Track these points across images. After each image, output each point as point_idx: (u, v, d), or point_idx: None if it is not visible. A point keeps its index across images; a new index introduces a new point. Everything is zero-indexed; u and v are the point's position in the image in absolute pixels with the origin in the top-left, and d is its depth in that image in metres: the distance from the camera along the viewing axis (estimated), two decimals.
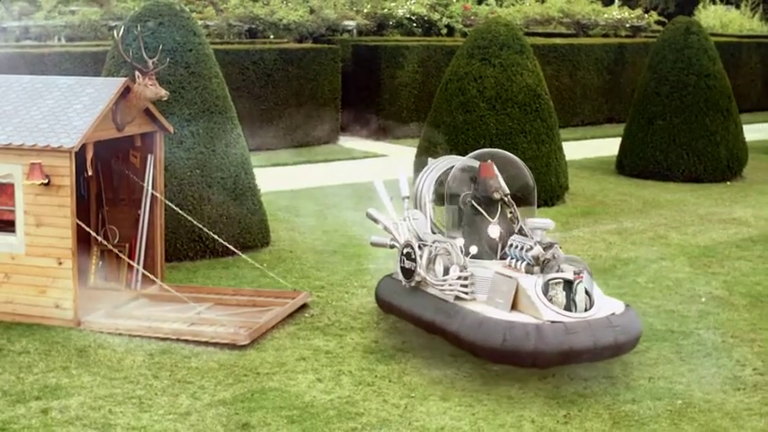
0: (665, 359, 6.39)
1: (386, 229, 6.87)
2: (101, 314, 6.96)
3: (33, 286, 6.82)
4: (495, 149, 6.98)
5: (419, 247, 6.44)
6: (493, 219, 6.45)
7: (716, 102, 13.05)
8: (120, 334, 6.65)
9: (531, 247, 5.99)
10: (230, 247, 8.18)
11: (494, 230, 6.41)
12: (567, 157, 12.05)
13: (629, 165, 13.38)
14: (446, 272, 6.21)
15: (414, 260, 6.42)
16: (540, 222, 6.17)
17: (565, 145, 11.97)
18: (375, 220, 7.03)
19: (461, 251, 6.20)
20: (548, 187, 11.30)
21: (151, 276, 7.48)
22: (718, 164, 13.00)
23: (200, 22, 10.62)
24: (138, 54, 7.48)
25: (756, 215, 10.97)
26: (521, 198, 6.77)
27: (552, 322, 5.72)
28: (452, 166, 6.77)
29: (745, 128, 13.72)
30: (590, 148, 15.70)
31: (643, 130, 13.26)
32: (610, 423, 5.42)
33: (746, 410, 5.60)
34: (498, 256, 6.39)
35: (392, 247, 6.85)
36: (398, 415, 5.49)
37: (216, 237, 8.22)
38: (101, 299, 7.31)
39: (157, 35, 8.40)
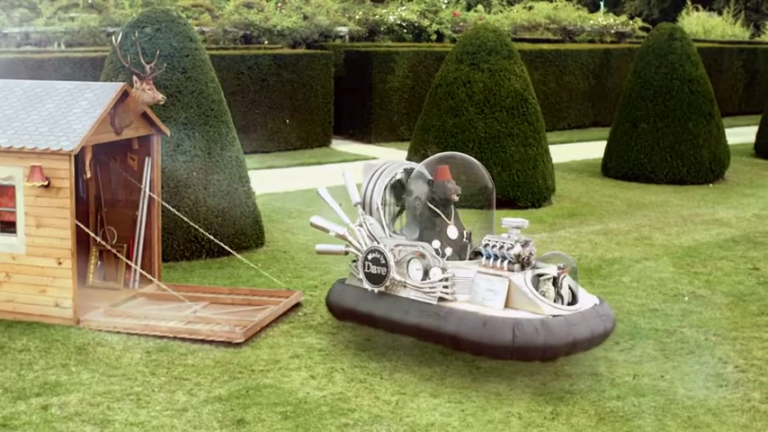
0: (649, 356, 6.49)
1: (339, 236, 6.67)
2: (99, 313, 7.04)
3: (34, 285, 6.88)
4: (455, 152, 7.05)
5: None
6: (450, 220, 6.53)
7: (699, 106, 13.23)
8: (118, 332, 6.73)
9: (512, 246, 6.05)
10: (226, 247, 8.28)
11: (452, 232, 6.49)
12: (554, 160, 12.19)
13: (615, 167, 13.54)
14: (425, 274, 6.20)
15: (384, 265, 6.30)
16: (516, 221, 6.22)
17: (551, 148, 12.12)
18: (324, 229, 6.80)
19: (438, 253, 6.24)
20: (535, 189, 11.47)
21: (149, 276, 7.53)
22: (700, 166, 13.18)
23: (196, 29, 10.69)
24: (135, 59, 7.56)
25: (738, 216, 11.12)
26: (480, 200, 6.83)
27: (554, 316, 5.85)
28: (400, 171, 6.72)
29: (727, 131, 13.87)
30: (576, 151, 15.82)
31: (628, 133, 13.42)
32: (595, 419, 5.51)
33: (728, 407, 5.70)
34: (468, 257, 6.47)
35: (346, 253, 6.70)
36: (390, 411, 5.58)
37: (212, 237, 8.30)
38: (99, 298, 7.38)
39: (155, 41, 8.47)
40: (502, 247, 6.09)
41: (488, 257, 6.16)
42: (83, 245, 7.51)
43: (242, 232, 8.88)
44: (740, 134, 17.22)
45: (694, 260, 9.08)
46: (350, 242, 6.59)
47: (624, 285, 8.20)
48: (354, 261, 6.61)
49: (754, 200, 12.21)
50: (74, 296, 6.87)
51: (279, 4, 19.03)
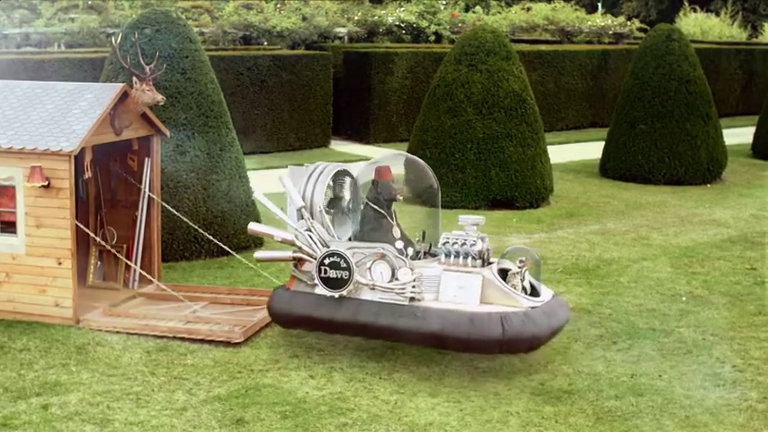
0: (646, 356, 6.53)
1: (286, 241, 6.41)
2: (99, 313, 7.07)
3: (34, 285, 6.91)
4: (401, 152, 7.03)
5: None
6: (393, 221, 6.51)
7: (696, 107, 13.27)
8: (117, 332, 6.76)
9: (475, 242, 6.10)
10: (225, 247, 8.30)
11: (396, 232, 6.48)
12: (552, 161, 12.23)
13: (613, 168, 13.58)
14: (392, 275, 6.13)
15: (346, 268, 6.13)
16: (473, 219, 6.26)
17: (550, 148, 12.14)
18: (267, 235, 6.55)
19: (402, 253, 6.22)
20: (533, 189, 11.51)
21: (148, 276, 7.58)
22: (698, 167, 13.22)
23: (195, 30, 10.72)
24: (135, 60, 7.57)
25: (735, 216, 11.16)
26: (425, 200, 6.81)
27: (532, 308, 5.98)
28: (337, 172, 6.62)
29: (725, 132, 13.91)
30: (574, 152, 15.85)
31: (626, 134, 13.46)
32: (594, 419, 5.54)
33: (726, 406, 5.74)
34: (422, 255, 6.41)
35: (294, 259, 6.48)
36: (388, 410, 5.60)
37: (211, 237, 8.33)
38: (99, 298, 7.42)
39: (154, 42, 8.50)
40: (464, 244, 6.11)
41: (448, 255, 6.15)
42: (83, 245, 7.53)
43: (241, 232, 8.87)
44: (737, 135, 17.26)
45: (692, 260, 9.12)
46: (299, 247, 6.38)
47: (622, 285, 8.23)
48: (296, 266, 6.46)
49: (751, 200, 12.25)
50: (74, 296, 6.90)
51: (278, 6, 19.09)
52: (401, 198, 6.52)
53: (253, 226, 6.66)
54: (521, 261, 6.14)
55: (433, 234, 6.52)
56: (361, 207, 6.59)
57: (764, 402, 5.83)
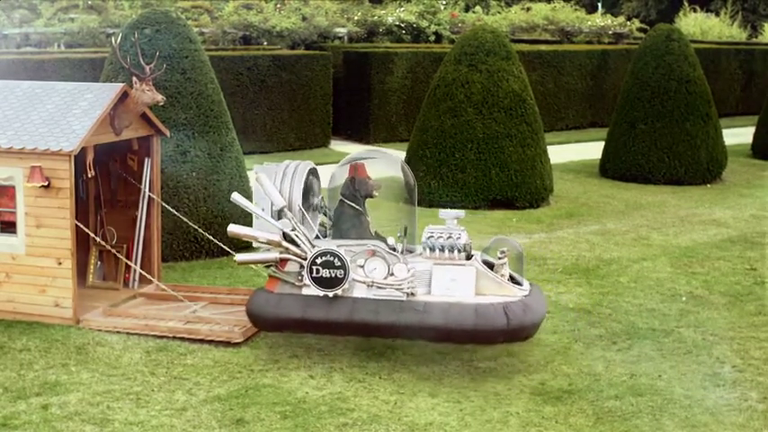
0: (646, 356, 6.54)
1: (272, 242, 6.25)
2: (99, 313, 7.08)
3: (34, 285, 6.92)
4: (375, 149, 7.01)
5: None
6: (368, 217, 6.52)
7: (696, 107, 13.28)
8: (117, 332, 6.76)
9: (459, 236, 6.16)
10: (225, 247, 8.29)
11: (371, 228, 6.51)
12: (552, 161, 12.24)
13: (612, 168, 13.60)
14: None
15: (340, 267, 6.06)
16: (454, 213, 6.32)
17: (549, 148, 12.15)
18: (251, 238, 6.37)
19: (394, 249, 6.21)
20: (533, 189, 11.51)
21: (148, 276, 7.59)
22: (698, 167, 13.24)
23: (195, 30, 10.73)
24: (135, 60, 7.58)
25: (735, 216, 11.17)
26: (403, 197, 6.80)
27: (525, 297, 6.07)
28: (309, 170, 6.58)
29: (725, 132, 13.93)
30: (574, 152, 15.86)
31: (626, 134, 13.47)
32: (593, 419, 5.55)
33: (726, 406, 5.74)
34: (404, 250, 6.40)
35: (280, 260, 6.31)
36: (388, 411, 5.61)
37: (211, 237, 8.34)
38: (99, 298, 7.43)
39: (154, 42, 8.51)
40: (450, 238, 6.16)
41: (433, 249, 6.19)
42: (83, 245, 7.53)
43: None
44: (737, 135, 17.26)
45: (692, 260, 9.13)
46: (286, 248, 6.25)
47: (622, 285, 8.24)
48: (271, 266, 6.36)
49: (751, 200, 12.26)
50: (73, 296, 6.90)
51: (278, 6, 19.10)
52: (377, 194, 6.54)
53: (233, 228, 6.40)
54: (501, 252, 6.21)
55: (410, 230, 6.52)
56: (324, 205, 6.60)
57: (764, 402, 5.84)
